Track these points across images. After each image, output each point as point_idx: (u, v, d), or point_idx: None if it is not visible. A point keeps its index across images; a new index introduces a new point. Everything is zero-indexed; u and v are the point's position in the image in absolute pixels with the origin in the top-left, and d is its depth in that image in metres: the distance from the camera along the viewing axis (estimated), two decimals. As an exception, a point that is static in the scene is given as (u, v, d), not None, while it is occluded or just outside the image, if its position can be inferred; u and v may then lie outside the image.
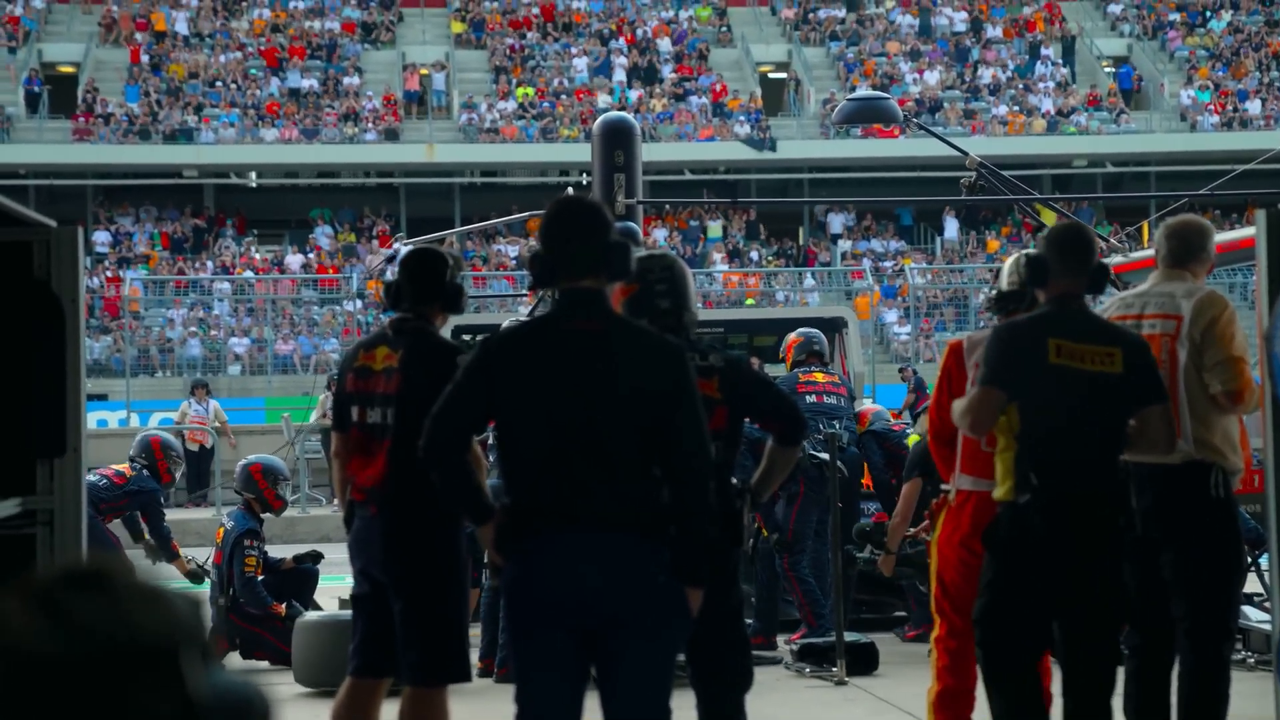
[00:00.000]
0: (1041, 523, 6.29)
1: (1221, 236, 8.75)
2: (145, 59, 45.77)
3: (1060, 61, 48.06)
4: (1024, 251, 7.70)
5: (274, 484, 11.63)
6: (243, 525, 11.44)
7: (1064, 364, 6.35)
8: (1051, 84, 46.87)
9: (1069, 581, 6.38)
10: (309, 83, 45.40)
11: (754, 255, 42.86)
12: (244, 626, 11.37)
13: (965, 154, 14.32)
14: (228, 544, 11.42)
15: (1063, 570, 6.35)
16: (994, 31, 48.80)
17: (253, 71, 45.66)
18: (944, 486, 7.50)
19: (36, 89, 44.51)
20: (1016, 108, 45.49)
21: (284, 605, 11.25)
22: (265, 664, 11.38)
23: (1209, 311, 6.72)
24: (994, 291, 7.82)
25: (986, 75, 46.94)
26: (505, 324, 5.82)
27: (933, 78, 46.56)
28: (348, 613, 10.63)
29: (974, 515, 7.18)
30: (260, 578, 11.34)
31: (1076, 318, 6.50)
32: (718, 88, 45.80)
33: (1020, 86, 46.48)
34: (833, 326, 23.72)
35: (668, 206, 42.58)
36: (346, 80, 45.52)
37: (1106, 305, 7.12)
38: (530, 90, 45.40)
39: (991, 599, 6.48)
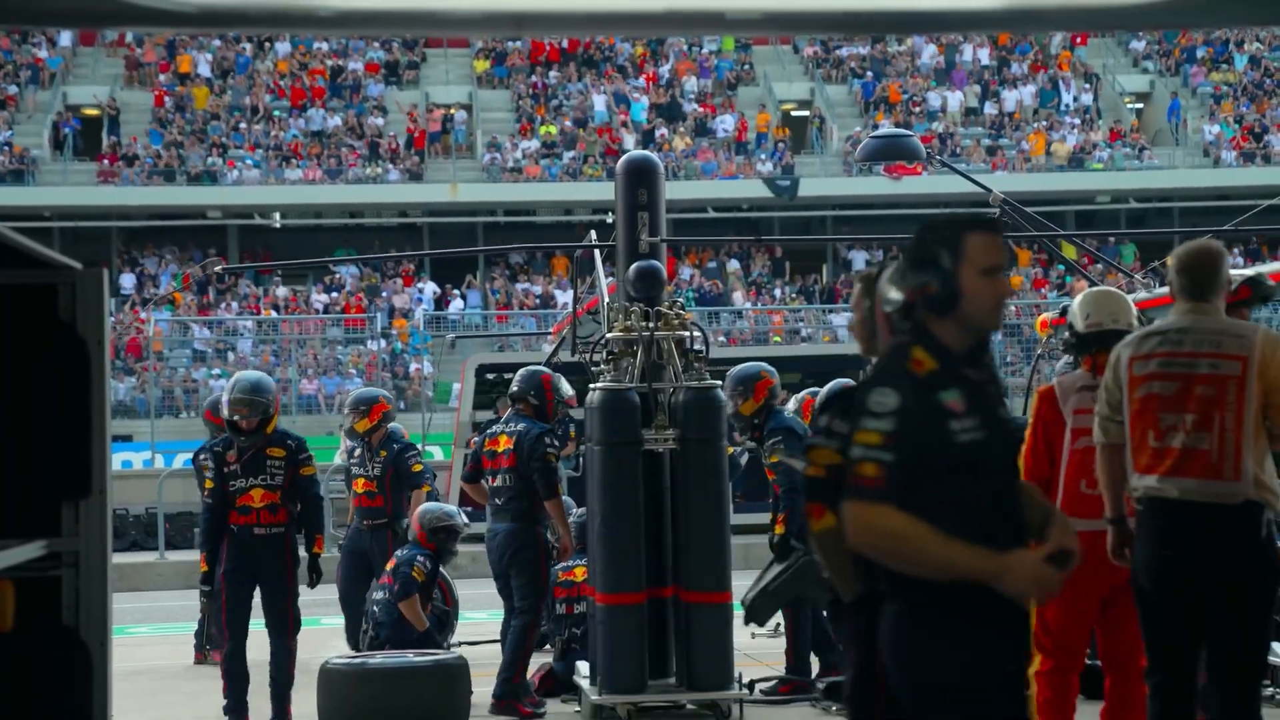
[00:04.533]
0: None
1: (1246, 271, 8.70)
2: (169, 101, 45.99)
3: (1083, 98, 48.07)
4: (1096, 289, 7.77)
5: None
6: None
7: None
8: (1074, 120, 46.86)
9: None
10: (333, 123, 45.56)
11: (776, 293, 42.84)
12: None
13: (989, 191, 14.33)
14: None
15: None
16: (1017, 68, 48.83)
17: (276, 113, 45.84)
18: None
19: (64, 131, 44.74)
20: (1039, 144, 45.47)
21: None
22: None
23: (1278, 351, 6.67)
24: (1068, 334, 7.86)
25: (1009, 112, 46.95)
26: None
27: (955, 114, 46.60)
28: (373, 657, 10.66)
29: None
30: None
31: None
32: (740, 126, 45.91)
33: (1043, 123, 46.48)
34: (857, 364, 23.86)
35: (683, 246, 42.58)
36: (370, 120, 45.67)
37: (1129, 340, 7.00)
38: (553, 129, 45.51)
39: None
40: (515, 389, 11.52)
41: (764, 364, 11.51)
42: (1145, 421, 6.77)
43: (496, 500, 11.30)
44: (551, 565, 11.63)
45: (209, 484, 10.62)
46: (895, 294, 4.84)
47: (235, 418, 10.57)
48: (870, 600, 5.19)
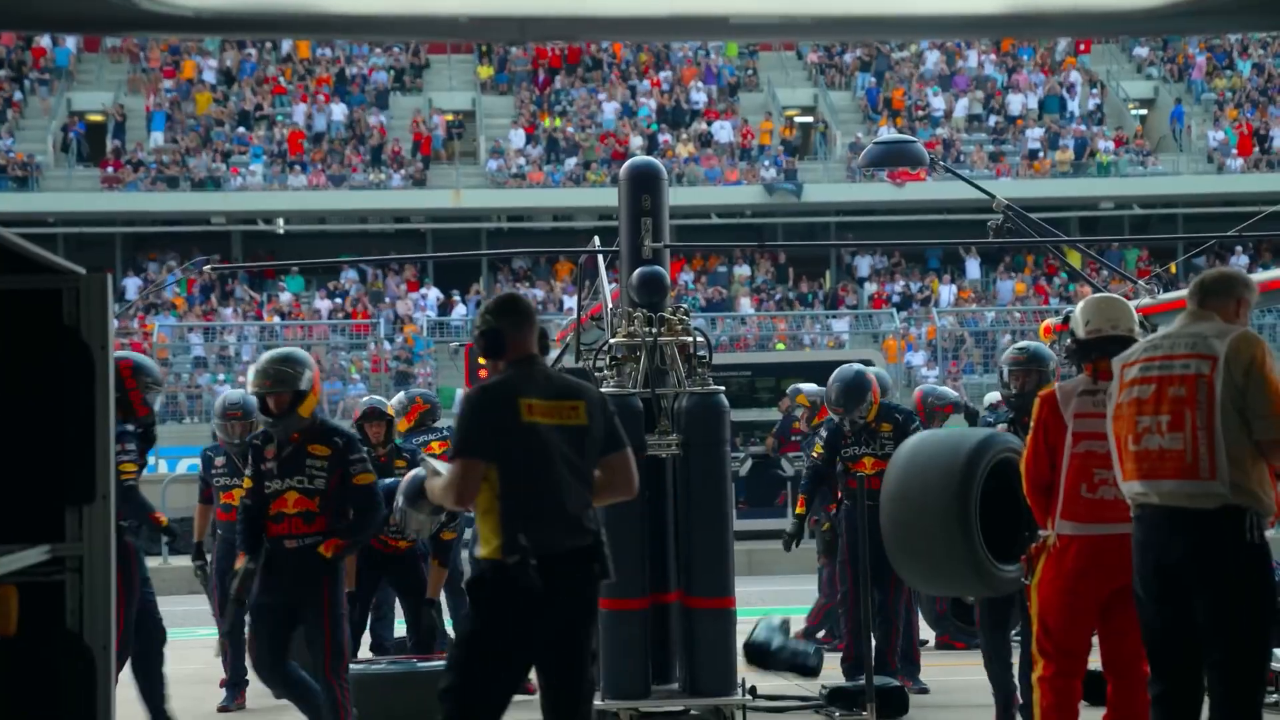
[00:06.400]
0: (533, 582, 6.43)
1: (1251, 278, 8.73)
2: (172, 107, 46.00)
3: (1087, 104, 48.04)
4: (1097, 295, 7.86)
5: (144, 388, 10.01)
6: None
7: (536, 421, 6.57)
8: (1078, 126, 46.84)
9: (550, 637, 6.56)
10: (336, 129, 45.55)
11: (776, 298, 42.84)
12: None
13: (992, 197, 14.30)
14: None
15: (544, 627, 6.54)
16: (1021, 75, 48.81)
17: (280, 118, 45.85)
18: (1041, 532, 7.67)
19: (69, 137, 44.76)
20: (1043, 150, 45.46)
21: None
22: None
23: (1247, 351, 6.65)
24: (1070, 341, 7.92)
25: (1013, 117, 46.94)
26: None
27: (959, 120, 46.59)
28: (375, 663, 10.65)
29: (1076, 559, 7.49)
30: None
31: (539, 376, 6.71)
32: (744, 133, 45.90)
33: (1047, 129, 46.46)
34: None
35: (690, 252, 42.55)
36: (373, 126, 45.66)
37: (1133, 349, 7.07)
38: (558, 135, 45.50)
39: (469, 652, 6.61)
40: None
41: (855, 365, 12.30)
42: (1125, 427, 6.86)
43: None
44: None
45: (246, 482, 9.13)
46: None
47: (261, 392, 8.94)
48: None
